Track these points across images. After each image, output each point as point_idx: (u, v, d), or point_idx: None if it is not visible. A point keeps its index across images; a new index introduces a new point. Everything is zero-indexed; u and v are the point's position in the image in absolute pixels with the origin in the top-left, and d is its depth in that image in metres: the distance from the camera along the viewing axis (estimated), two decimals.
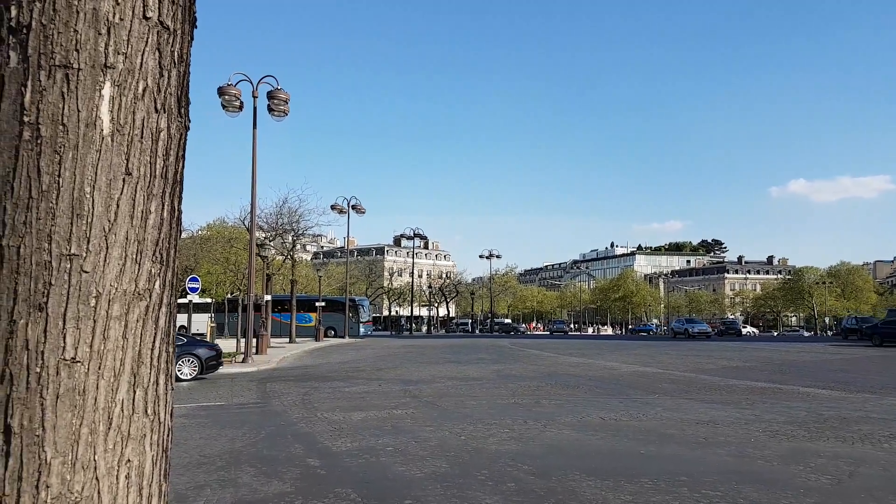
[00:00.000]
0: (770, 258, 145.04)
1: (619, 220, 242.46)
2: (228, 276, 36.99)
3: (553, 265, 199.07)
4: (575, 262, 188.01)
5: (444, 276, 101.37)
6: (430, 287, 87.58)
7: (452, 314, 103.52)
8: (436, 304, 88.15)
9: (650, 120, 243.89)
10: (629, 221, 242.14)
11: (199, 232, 45.71)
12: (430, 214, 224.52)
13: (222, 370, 19.07)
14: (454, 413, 10.62)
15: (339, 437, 8.52)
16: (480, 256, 75.83)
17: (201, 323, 36.88)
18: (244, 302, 24.54)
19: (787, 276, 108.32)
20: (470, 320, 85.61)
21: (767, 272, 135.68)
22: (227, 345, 26.78)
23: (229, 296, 40.11)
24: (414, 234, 59.78)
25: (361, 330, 49.47)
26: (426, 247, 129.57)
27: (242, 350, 22.53)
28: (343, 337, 43.97)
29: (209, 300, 42.31)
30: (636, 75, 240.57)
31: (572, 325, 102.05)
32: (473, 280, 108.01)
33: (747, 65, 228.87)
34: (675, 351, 30.70)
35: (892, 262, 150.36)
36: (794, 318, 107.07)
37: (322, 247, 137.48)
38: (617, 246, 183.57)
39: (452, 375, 17.33)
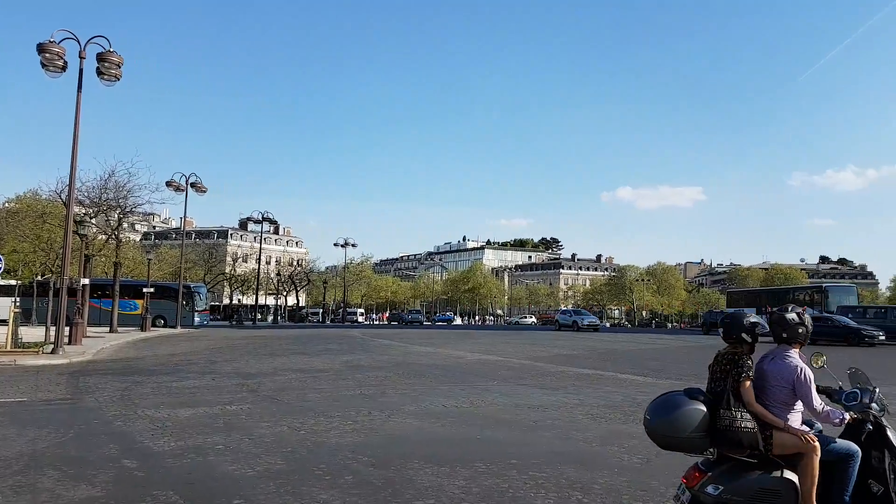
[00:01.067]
0: (599, 256, 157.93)
1: (472, 215, 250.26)
2: (39, 256, 32.81)
3: (409, 256, 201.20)
4: (430, 253, 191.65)
5: (295, 263, 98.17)
6: (278, 275, 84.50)
7: (303, 304, 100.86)
8: (284, 293, 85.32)
9: (506, 118, 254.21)
10: (482, 216, 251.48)
11: (6, 204, 40.34)
12: (283, 197, 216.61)
13: (26, 361, 16.98)
14: (295, 407, 10.30)
15: (161, 435, 7.89)
16: (335, 244, 74.62)
17: (3, 308, 32.58)
18: (56, 285, 21.92)
19: (613, 274, 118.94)
20: (321, 310, 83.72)
21: (596, 269, 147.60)
22: (34, 333, 23.95)
23: (39, 278, 35.72)
24: (263, 217, 57.14)
25: (196, 319, 46.46)
26: (276, 232, 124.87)
27: (52, 340, 20.19)
28: (174, 327, 41.03)
29: (14, 282, 37.51)
30: (498, 73, 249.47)
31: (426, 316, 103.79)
32: (327, 268, 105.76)
33: (595, 76, 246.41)
34: (516, 340, 32.35)
35: (700, 263, 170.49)
36: (616, 311, 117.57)
37: (154, 227, 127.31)
38: (469, 240, 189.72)
39: (297, 367, 16.83)
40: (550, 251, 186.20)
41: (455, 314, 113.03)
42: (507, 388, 12.77)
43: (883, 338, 31.07)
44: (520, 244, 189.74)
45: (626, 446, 7.49)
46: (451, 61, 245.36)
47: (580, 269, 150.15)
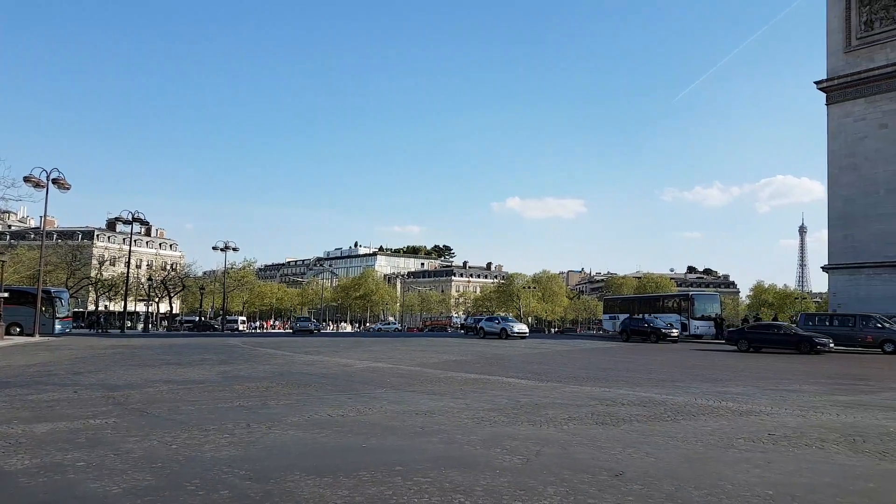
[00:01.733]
0: (489, 264, 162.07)
1: (364, 221, 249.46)
2: None
3: (296, 261, 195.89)
4: (319, 259, 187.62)
5: (168, 267, 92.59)
6: (150, 279, 79.32)
7: (177, 311, 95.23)
8: (157, 300, 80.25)
9: (401, 126, 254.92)
10: (374, 223, 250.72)
11: None
12: (157, 197, 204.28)
13: None
14: (166, 420, 9.69)
15: (14, 453, 7.15)
16: (215, 248, 70.80)
17: None
18: None
19: (501, 281, 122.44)
20: (198, 318, 79.37)
21: (486, 276, 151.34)
22: None
23: None
24: (133, 217, 53.36)
25: (57, 327, 42.69)
26: (148, 233, 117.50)
27: None
28: (32, 335, 37.48)
29: None
30: (391, 80, 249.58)
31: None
32: (205, 273, 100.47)
33: (487, 91, 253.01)
34: (405, 346, 32.35)
35: (581, 271, 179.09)
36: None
37: (10, 226, 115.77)
38: (360, 245, 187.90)
39: (169, 378, 15.86)
40: (443, 258, 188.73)
41: (346, 322, 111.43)
42: (396, 396, 12.73)
43: (832, 345, 31.27)
44: (412, 251, 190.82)
45: (508, 447, 7.68)
46: (342, 63, 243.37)
47: (471, 276, 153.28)
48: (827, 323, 36.41)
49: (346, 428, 9.07)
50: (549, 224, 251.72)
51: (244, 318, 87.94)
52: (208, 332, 62.62)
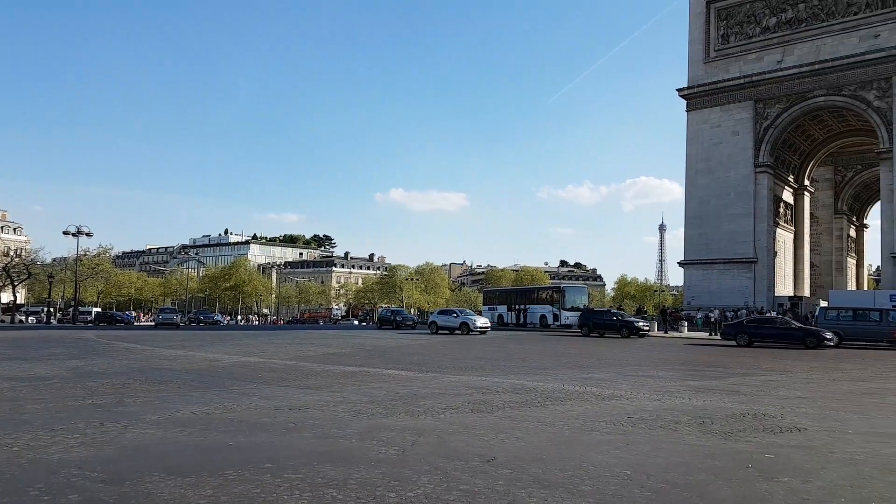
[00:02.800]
0: (371, 255, 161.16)
1: (236, 207, 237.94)
2: None
3: (158, 249, 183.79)
4: (184, 246, 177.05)
5: (12, 253, 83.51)
6: None
7: (22, 301, 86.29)
8: None
9: (276, 110, 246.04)
10: (247, 209, 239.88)
11: None
12: None
13: None
14: (7, 420, 8.73)
15: None
16: (66, 233, 64.51)
17: None
18: None
19: (384, 273, 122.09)
20: (46, 308, 72.25)
21: (369, 268, 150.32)
22: None
23: None
24: None
25: None
26: None
27: None
28: None
29: None
30: (265, 58, 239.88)
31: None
32: (55, 261, 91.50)
33: (372, 81, 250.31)
34: (280, 339, 31.38)
35: (463, 264, 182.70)
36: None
37: None
38: (232, 233, 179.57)
39: (10, 375, 14.32)
40: (323, 248, 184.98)
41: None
42: (268, 391, 12.29)
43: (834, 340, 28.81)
44: (290, 240, 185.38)
45: (384, 439, 7.64)
46: (215, 40, 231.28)
47: (353, 267, 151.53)
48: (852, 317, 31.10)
49: (211, 426, 8.60)
50: (432, 216, 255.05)
51: (98, 309, 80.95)
52: (109, 325, 56.90)
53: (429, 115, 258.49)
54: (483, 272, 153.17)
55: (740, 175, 48.84)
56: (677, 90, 51.76)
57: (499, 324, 51.68)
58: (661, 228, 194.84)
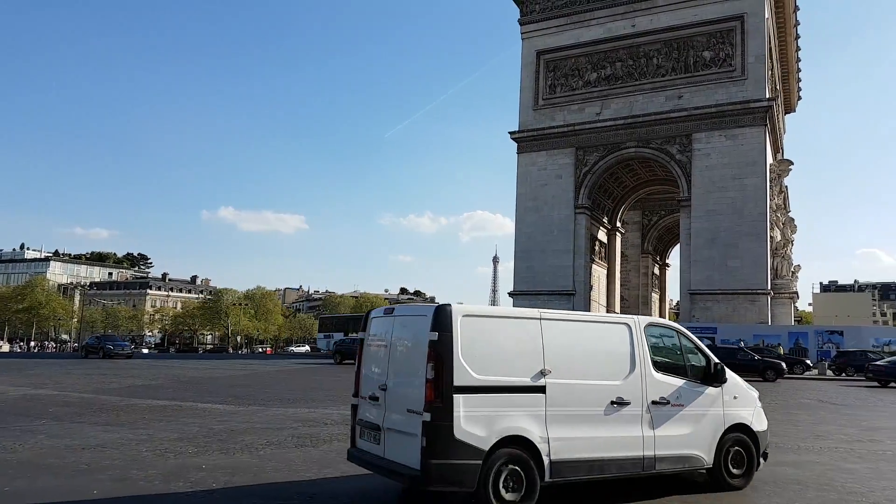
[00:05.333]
0: (194, 278, 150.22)
1: (34, 219, 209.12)
2: None
3: None
4: None
5: None
6: None
7: None
8: None
9: (89, 114, 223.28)
10: (48, 222, 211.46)
11: None
12: None
13: None
14: None
15: None
16: None
17: None
18: None
19: (208, 297, 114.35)
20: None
21: (190, 291, 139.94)
22: None
23: None
24: None
25: None
26: None
27: None
28: None
29: None
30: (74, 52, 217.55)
31: None
32: None
33: (206, 95, 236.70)
34: (80, 370, 27.87)
35: (299, 289, 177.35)
36: (209, 337, 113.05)
37: None
38: (29, 248, 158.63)
39: None
40: (137, 269, 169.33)
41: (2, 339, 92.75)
42: (58, 428, 10.70)
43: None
44: (99, 258, 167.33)
45: (192, 479, 6.88)
46: (19, 31, 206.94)
47: (171, 289, 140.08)
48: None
49: None
50: (267, 238, 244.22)
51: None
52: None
53: (268, 133, 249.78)
54: (321, 298, 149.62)
55: (563, 215, 52.75)
56: (509, 133, 54.91)
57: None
58: (495, 260, 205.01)
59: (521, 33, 55.14)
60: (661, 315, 77.78)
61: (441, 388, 5.73)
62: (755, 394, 7.83)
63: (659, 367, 7.04)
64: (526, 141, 54.09)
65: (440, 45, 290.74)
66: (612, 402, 6.58)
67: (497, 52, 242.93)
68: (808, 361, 36.87)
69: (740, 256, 45.78)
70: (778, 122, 58.57)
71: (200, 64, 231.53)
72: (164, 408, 14.01)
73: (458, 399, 5.77)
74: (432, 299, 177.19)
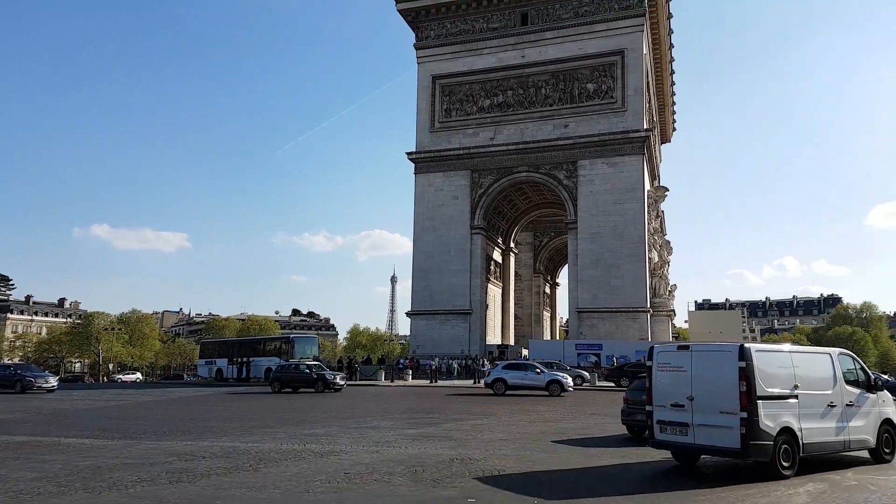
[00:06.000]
0: (62, 300, 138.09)
1: None
2: None
3: None
4: None
5: None
6: None
7: None
8: None
9: None
10: None
11: None
12: None
13: None
14: None
15: None
16: None
17: None
18: None
19: (77, 321, 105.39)
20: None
21: (58, 315, 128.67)
22: None
23: None
24: None
25: None
26: None
27: None
28: None
29: None
30: None
31: None
32: None
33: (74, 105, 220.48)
34: None
35: (179, 312, 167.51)
36: (78, 364, 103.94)
37: None
38: None
39: None
40: None
41: None
42: None
43: None
44: None
45: None
46: None
47: (36, 313, 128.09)
48: None
49: None
50: (145, 257, 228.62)
51: None
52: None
53: (149, 146, 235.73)
54: (204, 321, 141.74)
55: (459, 235, 53.65)
56: (406, 154, 55.39)
57: (218, 379, 47.89)
58: (393, 280, 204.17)
59: (417, 57, 56.02)
60: (552, 333, 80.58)
61: (751, 396, 9.43)
62: (892, 398, 11.67)
63: (847, 381, 10.87)
64: (423, 162, 54.69)
65: (337, 64, 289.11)
66: (828, 405, 10.39)
67: (396, 72, 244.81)
68: None
69: (622, 276, 48.43)
70: (655, 151, 62.88)
71: (77, 67, 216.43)
72: (21, 444, 12.67)
73: (759, 403, 9.48)
74: (326, 320, 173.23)
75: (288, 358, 45.07)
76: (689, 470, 10.54)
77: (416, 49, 56.26)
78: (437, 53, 55.37)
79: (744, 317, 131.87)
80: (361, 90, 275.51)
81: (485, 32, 54.06)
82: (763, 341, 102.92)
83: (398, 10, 56.18)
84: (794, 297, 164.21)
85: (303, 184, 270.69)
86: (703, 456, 10.60)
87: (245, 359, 48.00)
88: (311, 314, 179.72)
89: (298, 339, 49.03)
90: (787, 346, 11.28)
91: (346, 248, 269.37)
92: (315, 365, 37.25)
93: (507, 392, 29.12)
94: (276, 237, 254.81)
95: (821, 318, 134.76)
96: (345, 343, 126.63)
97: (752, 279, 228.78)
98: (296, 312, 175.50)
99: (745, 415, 9.33)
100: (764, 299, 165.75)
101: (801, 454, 9.80)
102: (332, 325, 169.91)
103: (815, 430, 10.07)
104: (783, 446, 9.58)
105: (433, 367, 42.31)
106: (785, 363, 10.20)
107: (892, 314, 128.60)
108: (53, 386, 35.22)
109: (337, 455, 11.16)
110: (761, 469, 9.63)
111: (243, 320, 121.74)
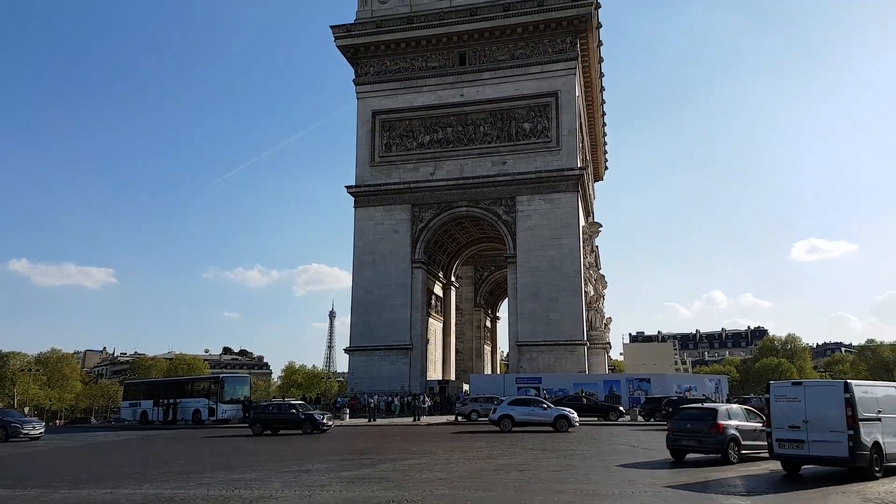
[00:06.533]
0: None
1: None
2: None
3: None
4: None
5: None
6: None
7: None
8: None
9: None
10: None
11: None
12: None
13: None
14: None
15: None
16: None
17: None
18: None
19: None
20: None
21: None
22: None
23: None
24: None
25: None
26: None
27: None
28: None
29: None
30: None
31: None
32: None
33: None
34: None
35: (102, 351, 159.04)
36: None
37: None
38: None
39: None
40: None
41: None
42: None
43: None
44: None
45: None
46: None
47: None
48: None
49: None
50: (66, 294, 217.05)
51: None
52: None
53: (73, 178, 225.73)
54: (129, 361, 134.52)
55: (400, 269, 53.34)
56: (346, 187, 55.05)
57: (142, 422, 45.38)
58: (332, 315, 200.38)
59: (357, 93, 56.22)
60: (493, 367, 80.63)
61: (854, 419, 13.39)
62: None
63: None
64: (363, 196, 54.47)
65: (276, 97, 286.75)
66: None
67: (336, 106, 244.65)
68: (622, 408, 39.55)
69: (560, 310, 49.15)
70: (589, 188, 64.85)
71: None
72: None
73: (860, 425, 13.39)
74: (260, 359, 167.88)
75: (217, 399, 43.04)
76: (797, 476, 14.38)
77: (356, 85, 56.54)
78: (377, 90, 55.79)
79: (676, 349, 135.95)
80: (300, 123, 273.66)
81: (424, 71, 54.92)
82: (694, 373, 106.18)
83: (337, 47, 56.42)
84: (722, 329, 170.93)
85: (236, 217, 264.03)
86: (803, 466, 14.77)
87: (172, 400, 45.75)
88: (243, 352, 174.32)
89: (229, 379, 47.04)
90: (870, 382, 16.50)
91: (282, 282, 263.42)
92: (300, 403, 34.95)
93: (514, 429, 28.69)
94: (208, 272, 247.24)
95: (749, 350, 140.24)
96: (279, 382, 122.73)
97: (683, 312, 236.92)
98: (227, 351, 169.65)
99: (851, 433, 13.41)
100: (694, 332, 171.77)
101: (885, 462, 13.83)
102: (266, 364, 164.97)
103: (891, 444, 14.05)
104: (874, 455, 13.58)
105: (372, 404, 41.43)
106: (871, 394, 14.28)
107: (814, 346, 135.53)
108: (41, 433, 31.58)
109: (267, 501, 10.66)
110: (856, 473, 13.69)
111: (171, 359, 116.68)
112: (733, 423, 16.94)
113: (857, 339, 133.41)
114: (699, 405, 20.46)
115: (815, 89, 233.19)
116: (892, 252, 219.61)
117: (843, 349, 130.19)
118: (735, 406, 19.44)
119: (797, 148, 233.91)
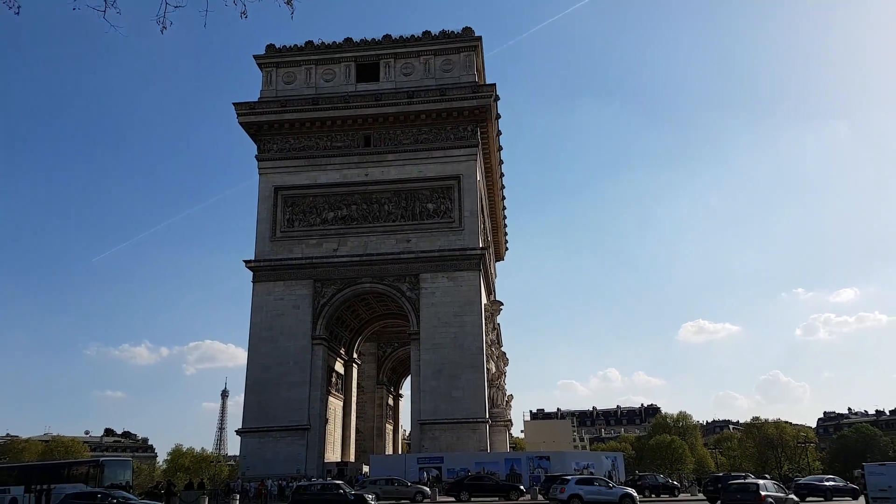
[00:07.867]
0: None
1: None
2: None
3: None
4: None
5: None
6: None
7: None
8: None
9: None
10: None
11: None
12: None
13: None
14: None
15: None
16: None
17: None
18: None
19: None
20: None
21: None
22: None
23: None
24: None
25: None
26: None
27: None
28: None
29: None
30: None
31: None
32: None
33: None
34: None
35: None
36: None
37: None
38: None
39: None
40: None
41: None
42: None
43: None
44: None
45: None
46: None
47: None
48: None
49: None
50: None
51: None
52: None
53: None
54: None
55: (300, 346, 52.04)
56: (245, 262, 53.92)
57: None
58: (224, 394, 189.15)
59: (259, 169, 56.15)
60: (395, 446, 78.80)
61: None
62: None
63: None
64: (263, 270, 53.53)
65: (171, 172, 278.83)
66: None
67: (235, 181, 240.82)
68: (522, 487, 39.66)
69: (462, 387, 49.45)
70: (490, 267, 66.98)
71: None
72: None
73: None
74: (144, 441, 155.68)
75: (97, 484, 39.96)
76: None
77: (258, 160, 56.63)
78: (280, 166, 56.06)
79: (574, 426, 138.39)
80: (198, 197, 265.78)
81: (329, 150, 55.93)
82: (592, 450, 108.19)
83: (240, 123, 56.56)
84: (618, 406, 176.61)
85: (124, 292, 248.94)
86: None
87: (46, 486, 41.77)
88: (126, 434, 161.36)
89: (109, 463, 43.82)
90: None
91: (171, 360, 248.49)
92: (337, 483, 34.58)
93: None
94: (90, 349, 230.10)
95: (643, 427, 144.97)
96: (164, 466, 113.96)
97: (581, 389, 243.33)
98: (109, 432, 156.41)
99: None
100: (591, 409, 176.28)
101: None
102: (151, 446, 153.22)
103: None
104: None
105: (258, 490, 39.05)
106: None
107: (704, 423, 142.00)
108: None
109: None
110: None
111: (47, 442, 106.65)
112: (772, 494, 26.65)
113: (744, 417, 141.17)
114: (743, 481, 31.13)
115: (697, 183, 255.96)
116: (773, 334, 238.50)
117: (731, 426, 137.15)
118: (769, 482, 30.05)
119: (683, 235, 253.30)
